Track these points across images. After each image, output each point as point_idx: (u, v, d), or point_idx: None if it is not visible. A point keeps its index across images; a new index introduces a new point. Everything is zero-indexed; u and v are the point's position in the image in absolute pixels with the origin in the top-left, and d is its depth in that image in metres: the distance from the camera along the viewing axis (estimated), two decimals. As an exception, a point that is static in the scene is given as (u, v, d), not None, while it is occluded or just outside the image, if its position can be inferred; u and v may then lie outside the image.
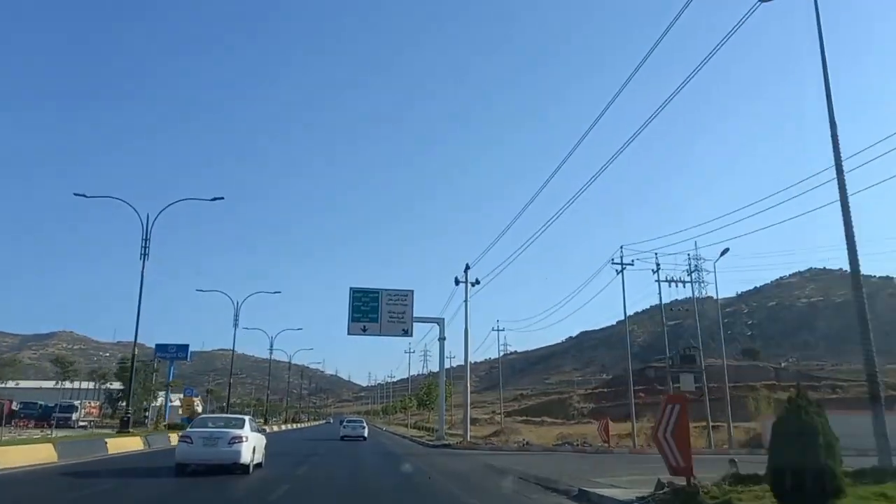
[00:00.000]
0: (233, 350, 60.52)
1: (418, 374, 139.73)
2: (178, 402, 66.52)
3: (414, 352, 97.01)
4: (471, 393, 51.77)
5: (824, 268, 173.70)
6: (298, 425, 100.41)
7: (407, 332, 40.55)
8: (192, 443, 15.88)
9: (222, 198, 36.56)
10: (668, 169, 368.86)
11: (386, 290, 39.82)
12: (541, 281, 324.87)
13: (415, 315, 40.18)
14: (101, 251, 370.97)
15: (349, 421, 45.54)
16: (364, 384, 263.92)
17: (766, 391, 66.81)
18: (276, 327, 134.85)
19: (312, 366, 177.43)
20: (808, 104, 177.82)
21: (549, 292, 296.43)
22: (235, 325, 55.05)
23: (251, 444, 16.35)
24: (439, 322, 42.28)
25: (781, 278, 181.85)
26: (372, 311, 38.84)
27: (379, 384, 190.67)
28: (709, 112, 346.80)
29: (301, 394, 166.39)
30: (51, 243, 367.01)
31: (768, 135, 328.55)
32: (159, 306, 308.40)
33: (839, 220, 12.57)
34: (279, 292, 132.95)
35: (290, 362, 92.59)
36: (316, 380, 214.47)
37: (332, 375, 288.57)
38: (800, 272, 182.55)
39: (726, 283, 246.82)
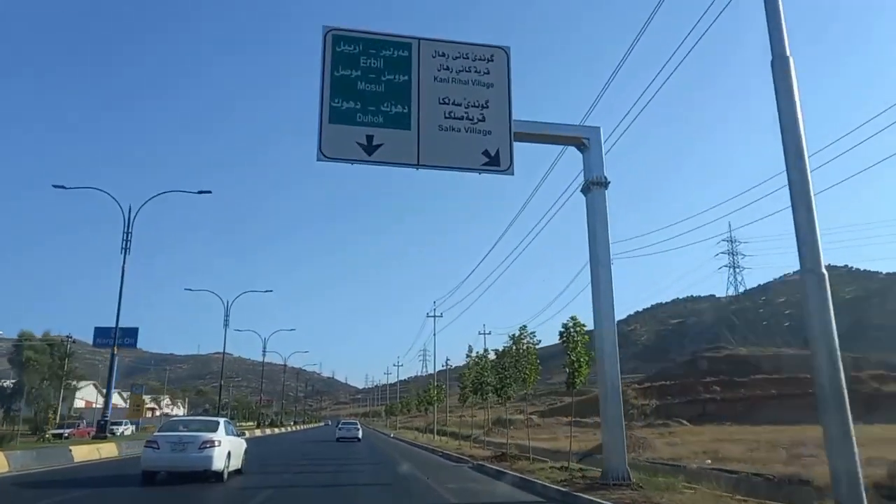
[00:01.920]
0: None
1: (417, 375, 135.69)
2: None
3: (441, 315, 60.65)
4: (457, 398, 34.24)
5: (829, 264, 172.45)
6: (278, 430, 77.86)
7: (493, 160, 13.76)
8: (158, 448, 14.69)
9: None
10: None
11: (432, 40, 14.34)
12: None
13: (516, 118, 14.22)
14: (96, 253, 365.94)
15: (344, 423, 51.03)
16: (360, 386, 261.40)
17: None
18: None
19: (309, 368, 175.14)
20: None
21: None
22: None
23: (225, 449, 15.18)
24: (586, 138, 14.72)
25: (787, 275, 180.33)
26: (393, 93, 13.71)
27: (376, 385, 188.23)
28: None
29: (291, 395, 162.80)
30: (39, 246, 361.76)
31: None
32: (153, 310, 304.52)
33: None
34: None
35: (262, 354, 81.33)
36: (312, 382, 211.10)
37: (328, 378, 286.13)
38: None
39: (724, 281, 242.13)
